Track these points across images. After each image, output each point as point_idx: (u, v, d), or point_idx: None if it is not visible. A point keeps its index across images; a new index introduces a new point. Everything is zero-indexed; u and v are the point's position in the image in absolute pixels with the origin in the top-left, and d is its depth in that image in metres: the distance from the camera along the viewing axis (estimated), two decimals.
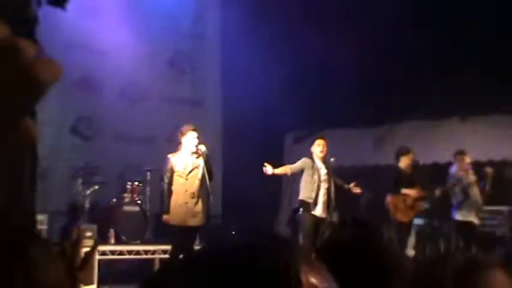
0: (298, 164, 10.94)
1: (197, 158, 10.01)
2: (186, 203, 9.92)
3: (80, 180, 12.53)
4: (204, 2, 16.79)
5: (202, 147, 10.00)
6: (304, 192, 10.77)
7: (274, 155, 15.65)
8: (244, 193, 14.24)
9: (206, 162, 10.02)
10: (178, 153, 10.08)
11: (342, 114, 14.37)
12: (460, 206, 11.88)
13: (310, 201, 10.65)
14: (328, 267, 1.57)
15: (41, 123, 8.52)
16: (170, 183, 9.98)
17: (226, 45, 16.75)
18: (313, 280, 0.98)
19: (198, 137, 10.07)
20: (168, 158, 10.08)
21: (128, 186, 12.69)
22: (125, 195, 12.65)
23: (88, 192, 12.41)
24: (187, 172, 9.98)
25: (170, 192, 9.98)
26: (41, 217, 11.15)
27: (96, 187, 12.62)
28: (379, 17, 13.69)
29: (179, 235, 9.93)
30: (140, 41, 14.97)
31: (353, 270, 1.57)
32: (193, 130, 10.10)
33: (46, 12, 8.55)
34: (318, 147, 10.89)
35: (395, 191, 11.48)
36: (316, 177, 10.71)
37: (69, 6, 8.70)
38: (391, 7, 13.57)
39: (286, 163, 12.82)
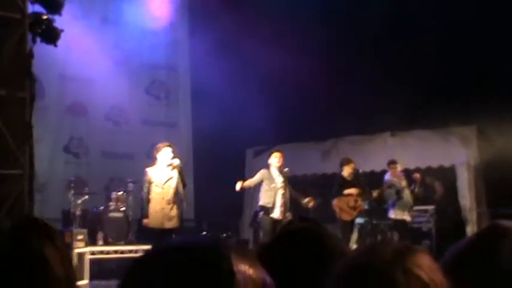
0: (257, 177, 10.85)
1: (172, 170, 9.97)
2: (163, 208, 9.85)
3: (72, 192, 12.41)
4: (175, 37, 16.77)
5: (176, 161, 9.96)
6: (264, 199, 10.71)
7: (238, 167, 15.68)
8: (213, 199, 14.23)
9: (180, 174, 9.99)
10: (155, 166, 10.03)
11: (295, 131, 14.44)
12: (394, 207, 12.00)
13: (270, 205, 10.62)
14: (277, 256, 1.59)
15: (37, 142, 8.46)
16: (148, 192, 9.92)
17: (195, 74, 16.77)
18: (246, 270, 1.00)
19: (172, 152, 10.02)
20: (146, 171, 10.03)
21: (113, 196, 12.59)
22: (111, 203, 12.55)
23: (79, 201, 12.28)
24: (163, 182, 9.91)
25: (148, 200, 9.92)
26: None
27: (86, 197, 12.52)
28: (324, 47, 13.83)
29: (158, 236, 9.86)
30: (122, 72, 14.95)
31: (299, 255, 1.58)
32: (167, 146, 10.06)
33: (41, 48, 8.52)
34: (275, 159, 10.84)
35: (340, 195, 11.55)
36: (273, 185, 10.68)
37: (60, 42, 8.68)
38: (336, 38, 13.72)
39: (248, 174, 12.85)
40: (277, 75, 13.95)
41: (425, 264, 1.18)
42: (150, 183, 9.90)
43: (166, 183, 9.92)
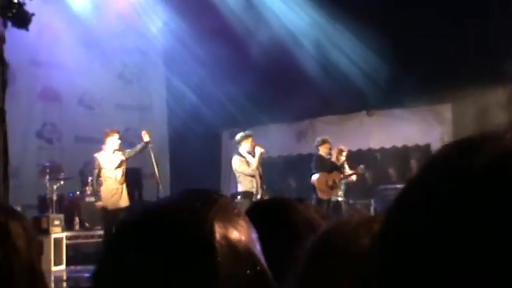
0: (242, 167, 10.59)
1: (120, 155, 10.46)
2: (117, 188, 10.40)
3: (47, 177, 12.41)
4: (147, 19, 16.62)
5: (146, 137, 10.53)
6: (245, 185, 10.53)
7: (214, 148, 15.77)
8: (189, 181, 14.26)
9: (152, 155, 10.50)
10: (103, 152, 10.50)
11: (270, 112, 14.48)
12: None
13: (253, 190, 10.55)
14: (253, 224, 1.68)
15: (9, 128, 8.47)
16: (99, 176, 10.45)
17: (168, 56, 16.73)
18: (229, 232, 0.95)
19: (119, 138, 10.54)
20: (96, 157, 10.53)
21: (89, 181, 12.63)
22: (87, 188, 12.60)
23: (55, 187, 12.32)
24: (114, 166, 10.40)
25: (100, 183, 10.47)
26: None
27: (62, 182, 12.56)
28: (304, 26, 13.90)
29: (114, 217, 10.19)
30: (93, 56, 14.88)
31: (268, 226, 1.65)
32: (116, 132, 10.55)
33: (12, 32, 8.50)
34: (248, 144, 10.77)
35: (317, 173, 11.60)
36: (250, 170, 10.64)
37: (31, 26, 8.67)
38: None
39: (224, 156, 12.91)
40: (252, 55, 14.00)
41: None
42: (100, 168, 10.41)
43: (117, 168, 10.43)
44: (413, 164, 13.97)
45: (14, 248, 1.57)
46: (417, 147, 14.08)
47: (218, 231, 0.94)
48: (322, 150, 11.86)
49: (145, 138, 10.50)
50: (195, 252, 0.92)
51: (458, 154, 0.63)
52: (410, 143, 14.07)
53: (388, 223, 0.66)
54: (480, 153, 0.60)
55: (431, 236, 0.59)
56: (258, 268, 0.97)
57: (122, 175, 10.49)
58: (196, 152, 14.91)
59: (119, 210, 10.27)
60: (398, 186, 13.27)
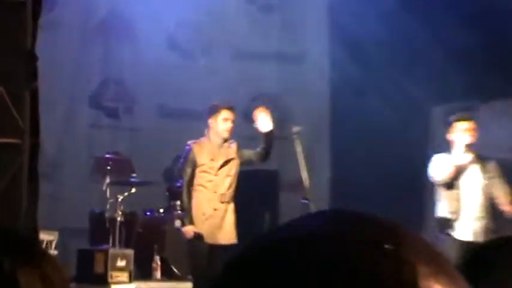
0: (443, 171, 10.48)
1: (228, 147, 10.51)
2: (215, 209, 10.39)
3: (106, 180, 12.92)
4: None
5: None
6: (445, 206, 10.58)
7: (415, 135, 15.68)
8: (364, 190, 14.33)
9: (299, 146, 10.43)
10: (204, 139, 10.64)
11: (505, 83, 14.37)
12: None
13: (453, 217, 10.44)
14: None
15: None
16: (191, 182, 10.48)
17: None
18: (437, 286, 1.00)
19: (231, 119, 10.48)
20: (191, 146, 10.51)
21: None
22: (177, 203, 12.81)
23: (120, 198, 12.91)
24: (217, 166, 10.48)
25: (191, 195, 10.48)
26: None
27: (132, 190, 13.12)
28: None
29: (202, 256, 10.24)
30: None
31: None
32: (228, 109, 10.53)
33: None
34: (463, 133, 10.55)
35: None
36: (458, 182, 10.46)
37: None
38: None
39: (432, 143, 12.87)
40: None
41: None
42: (194, 166, 10.45)
43: (222, 168, 10.46)
44: None
45: None
46: None
47: (423, 281, 1.00)
48: None
49: (265, 125, 10.42)
50: None
51: None
52: None
53: None
54: None
55: None
56: None
57: (230, 185, 10.58)
58: (383, 135, 14.96)
59: (215, 249, 10.27)
60: None
